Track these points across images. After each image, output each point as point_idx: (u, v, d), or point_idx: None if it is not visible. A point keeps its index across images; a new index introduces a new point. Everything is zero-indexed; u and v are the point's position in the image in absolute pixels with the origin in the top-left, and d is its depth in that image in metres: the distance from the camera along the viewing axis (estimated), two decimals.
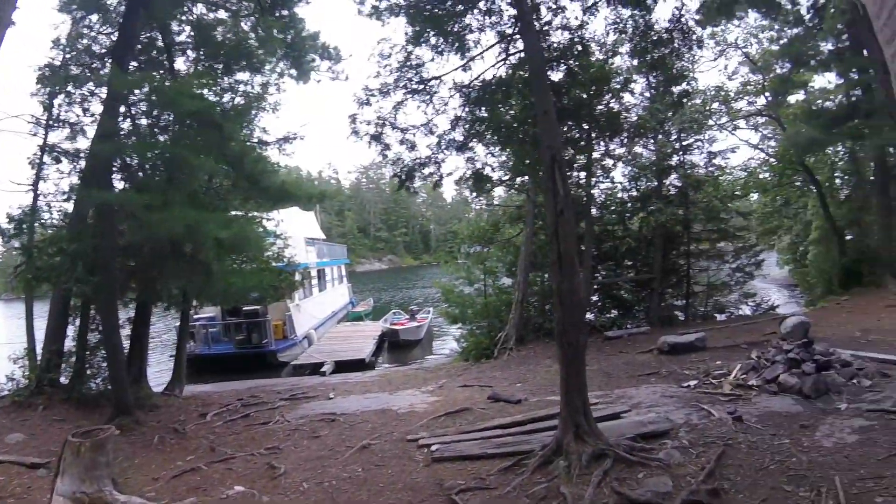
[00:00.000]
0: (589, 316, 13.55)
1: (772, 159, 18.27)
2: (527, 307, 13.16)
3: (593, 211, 14.21)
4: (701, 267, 14.83)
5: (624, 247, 15.02)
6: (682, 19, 6.58)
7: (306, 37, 9.84)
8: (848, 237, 15.32)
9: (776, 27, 14.74)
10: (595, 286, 14.08)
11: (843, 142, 14.00)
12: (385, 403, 7.76)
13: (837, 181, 17.36)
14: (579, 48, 7.04)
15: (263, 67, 9.95)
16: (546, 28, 6.95)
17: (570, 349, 4.66)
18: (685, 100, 11.30)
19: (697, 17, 7.17)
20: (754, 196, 20.11)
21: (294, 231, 14.72)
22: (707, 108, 15.75)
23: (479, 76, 7.01)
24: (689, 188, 14.19)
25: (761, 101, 17.35)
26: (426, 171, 7.53)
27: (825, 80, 15.04)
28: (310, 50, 9.95)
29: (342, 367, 13.99)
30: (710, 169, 14.87)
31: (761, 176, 18.95)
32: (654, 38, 6.66)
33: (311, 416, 7.41)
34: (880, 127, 11.23)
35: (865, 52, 11.79)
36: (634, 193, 15.01)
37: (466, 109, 7.19)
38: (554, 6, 6.92)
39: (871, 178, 14.81)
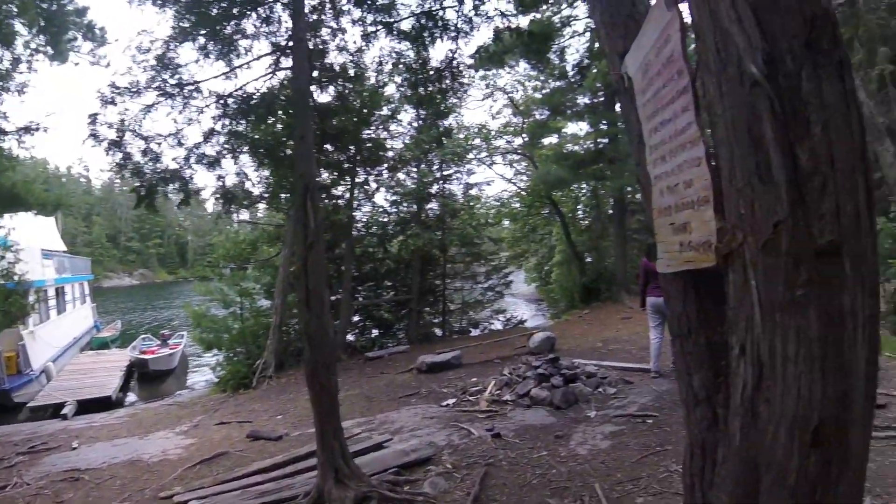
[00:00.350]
0: (349, 337, 13.87)
1: (523, 192, 21.02)
2: (285, 332, 12.67)
3: (354, 233, 14.44)
4: (456, 287, 16.25)
5: (384, 268, 15.68)
6: (454, 62, 6.83)
7: (71, 11, 8.25)
8: (588, 260, 18.40)
9: (542, 78, 17.19)
10: (356, 307, 14.32)
11: (588, 181, 16.89)
12: (135, 452, 6.79)
13: (580, 213, 20.88)
14: (353, 72, 6.88)
15: (14, 41, 8.00)
16: (323, 47, 6.68)
17: (322, 391, 4.30)
18: (446, 137, 12.10)
19: (470, 61, 7.57)
20: (506, 223, 22.85)
21: (28, 241, 12.49)
22: (469, 142, 17.31)
23: (242, 86, 6.48)
24: (447, 215, 15.38)
25: (519, 140, 19.97)
26: (171, 186, 6.45)
27: (577, 127, 18.09)
28: (72, 27, 8.36)
29: (86, 406, 11.67)
30: (467, 198, 16.44)
31: (513, 206, 21.62)
32: (428, 74, 6.79)
33: (53, 473, 6.18)
34: (621, 171, 13.86)
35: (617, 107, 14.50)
36: (395, 218, 15.69)
37: (223, 122, 6.48)
38: (335, 27, 6.78)
39: (610, 211, 18.15)
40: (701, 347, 2.05)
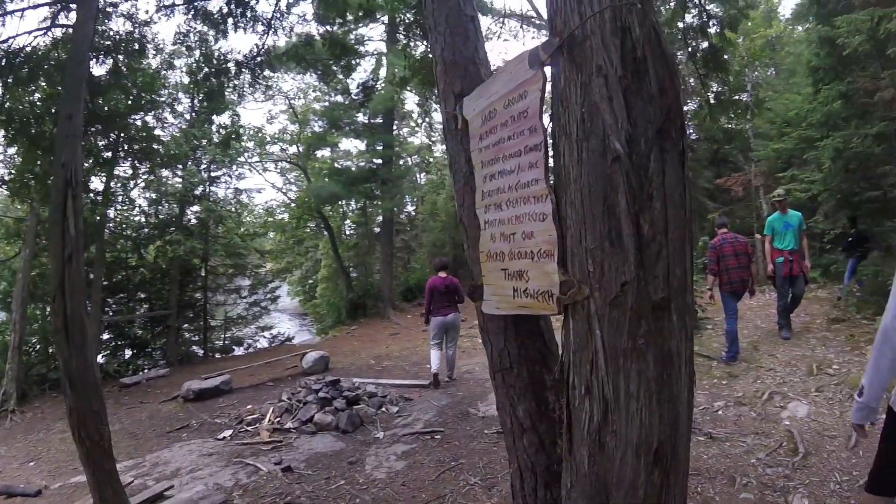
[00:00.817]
0: (100, 359, 11.39)
1: (292, 203, 20.21)
2: (27, 353, 9.83)
3: (106, 234, 11.91)
4: (218, 301, 14.77)
5: (138, 278, 13.30)
6: (258, 58, 6.17)
7: None
8: (353, 275, 18.53)
9: (325, 90, 16.73)
10: (105, 323, 11.80)
11: (359, 198, 17.04)
12: None
13: (347, 229, 20.94)
14: (136, 45, 5.68)
15: None
16: (110, 10, 5.42)
17: (93, 446, 3.31)
18: (235, 137, 10.96)
19: (269, 59, 6.88)
20: (271, 234, 21.81)
21: None
22: (241, 144, 16.06)
23: (9, 38, 4.96)
24: (213, 221, 13.86)
25: (293, 149, 19.13)
26: None
27: (352, 144, 18.10)
28: None
29: None
30: (235, 204, 15.11)
31: (281, 216, 20.70)
32: (223, 65, 5.99)
33: None
34: (393, 192, 14.34)
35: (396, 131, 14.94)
36: (154, 220, 13.50)
37: None
38: None
39: (376, 229, 18.59)
40: (524, 380, 2.23)
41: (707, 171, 14.96)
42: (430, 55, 2.69)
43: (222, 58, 5.90)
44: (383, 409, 6.34)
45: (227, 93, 6.46)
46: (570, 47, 1.62)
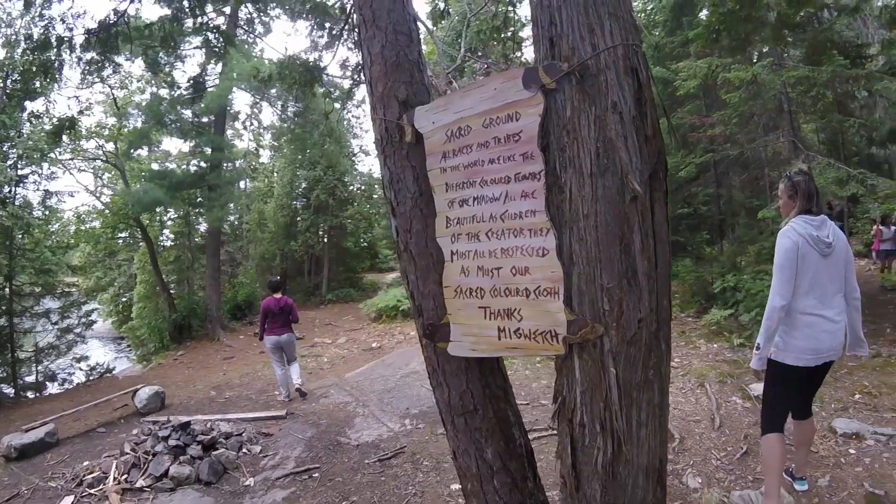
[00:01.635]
0: None
1: (107, 210, 17.06)
2: None
3: None
4: (25, 328, 11.83)
5: None
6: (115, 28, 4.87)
7: None
8: (172, 292, 16.18)
9: (151, 80, 14.29)
10: None
11: (182, 206, 14.90)
12: None
13: (167, 241, 18.24)
14: None
15: None
16: None
17: None
18: (67, 128, 8.71)
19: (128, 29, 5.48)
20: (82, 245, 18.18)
21: None
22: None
23: None
24: (18, 230, 10.98)
25: (111, 146, 16.00)
26: None
27: (174, 144, 15.73)
28: None
29: None
30: (43, 210, 12.19)
31: (92, 225, 17.36)
32: (39, 38, 4.62)
33: None
34: (222, 200, 12.79)
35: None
36: None
37: None
38: None
39: (199, 240, 16.45)
40: (490, 421, 2.08)
41: None
42: (362, 52, 2.32)
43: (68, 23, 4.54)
44: (244, 450, 5.58)
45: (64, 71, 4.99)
46: (582, 77, 1.57)
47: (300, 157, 20.75)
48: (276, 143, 23.96)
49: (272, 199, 22.25)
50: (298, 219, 20.71)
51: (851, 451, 3.55)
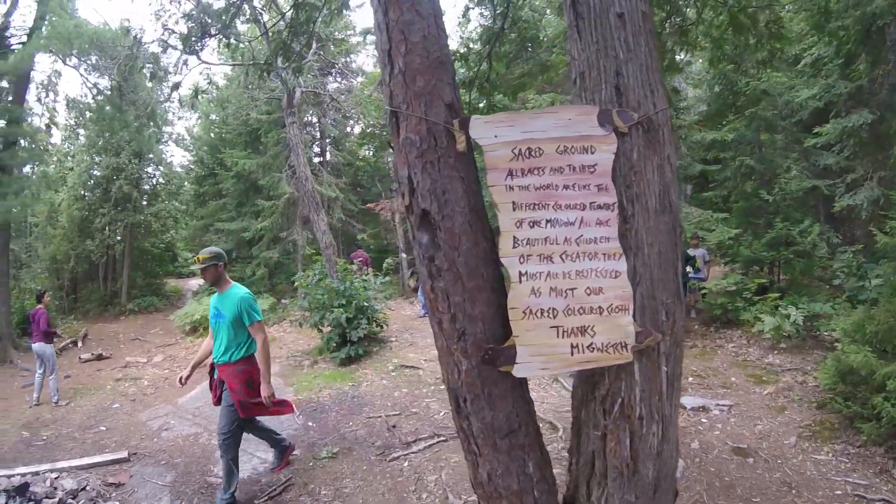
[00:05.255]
0: None
1: None
2: None
3: None
4: None
5: None
6: None
7: None
8: None
9: None
10: None
11: None
12: None
13: None
14: None
15: None
16: None
17: None
18: None
19: None
20: None
21: None
22: None
23: None
24: None
25: None
26: None
27: None
28: None
29: None
30: None
31: None
32: None
33: None
34: (15, 189, 10.23)
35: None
36: None
37: None
38: None
39: None
40: (531, 436, 2.09)
41: None
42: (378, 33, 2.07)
43: None
44: None
45: None
46: (647, 128, 1.91)
47: (100, 141, 17.47)
48: (75, 122, 19.73)
49: (65, 188, 18.25)
50: (99, 213, 17.35)
51: (703, 420, 4.59)
